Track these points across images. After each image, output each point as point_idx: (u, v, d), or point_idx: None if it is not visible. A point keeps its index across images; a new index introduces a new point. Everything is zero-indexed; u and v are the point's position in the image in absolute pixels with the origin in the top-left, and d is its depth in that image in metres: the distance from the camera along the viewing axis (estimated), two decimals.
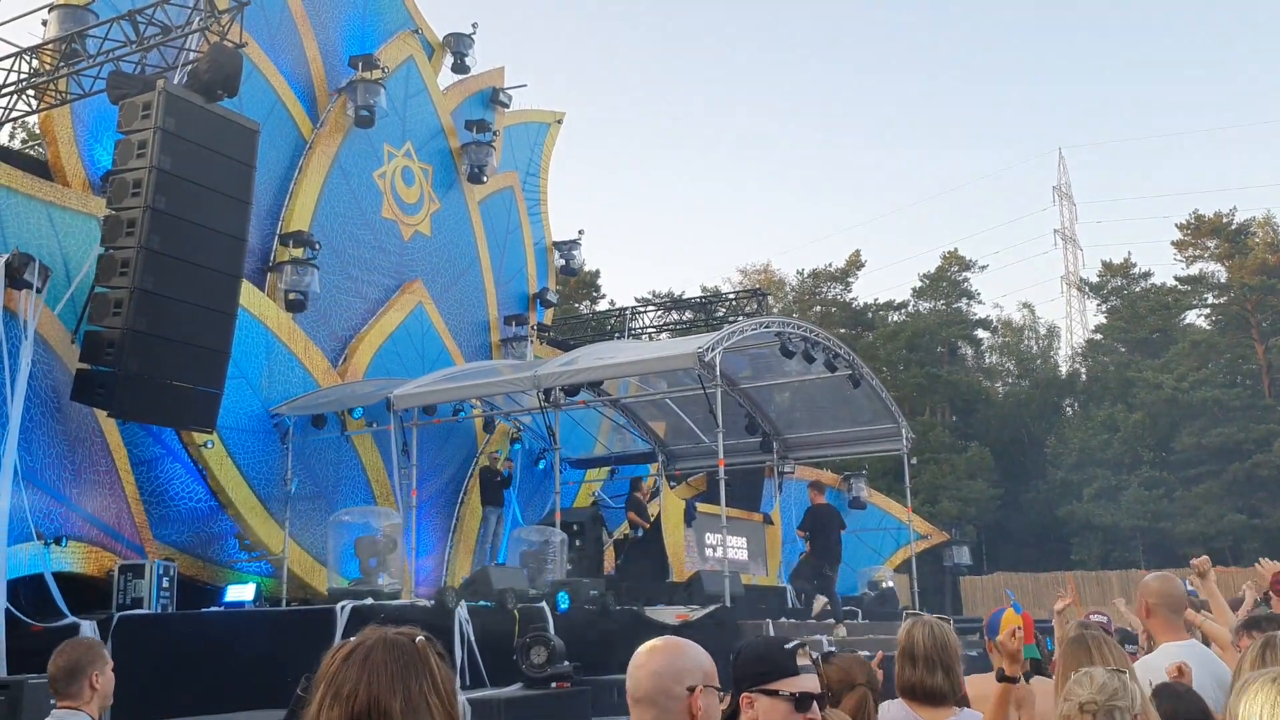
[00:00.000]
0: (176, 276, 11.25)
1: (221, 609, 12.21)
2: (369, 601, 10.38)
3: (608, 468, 20.12)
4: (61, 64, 12.50)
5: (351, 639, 2.16)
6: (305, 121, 17.11)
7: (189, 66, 11.95)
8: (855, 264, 54.36)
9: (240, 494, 14.20)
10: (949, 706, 4.22)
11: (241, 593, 12.59)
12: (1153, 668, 4.38)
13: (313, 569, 14.79)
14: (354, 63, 17.68)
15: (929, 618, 4.38)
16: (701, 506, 17.30)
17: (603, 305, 45.91)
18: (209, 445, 13.71)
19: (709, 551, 16.67)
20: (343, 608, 9.79)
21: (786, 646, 2.78)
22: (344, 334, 17.10)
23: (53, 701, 4.49)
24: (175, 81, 11.73)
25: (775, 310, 44.28)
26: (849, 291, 54.85)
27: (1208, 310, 49.04)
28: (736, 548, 17.03)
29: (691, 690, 2.34)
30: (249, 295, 14.29)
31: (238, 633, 10.49)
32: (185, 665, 10.17)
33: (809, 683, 2.72)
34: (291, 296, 15.66)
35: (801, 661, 2.77)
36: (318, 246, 16.16)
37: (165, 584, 11.78)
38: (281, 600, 13.98)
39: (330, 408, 15.26)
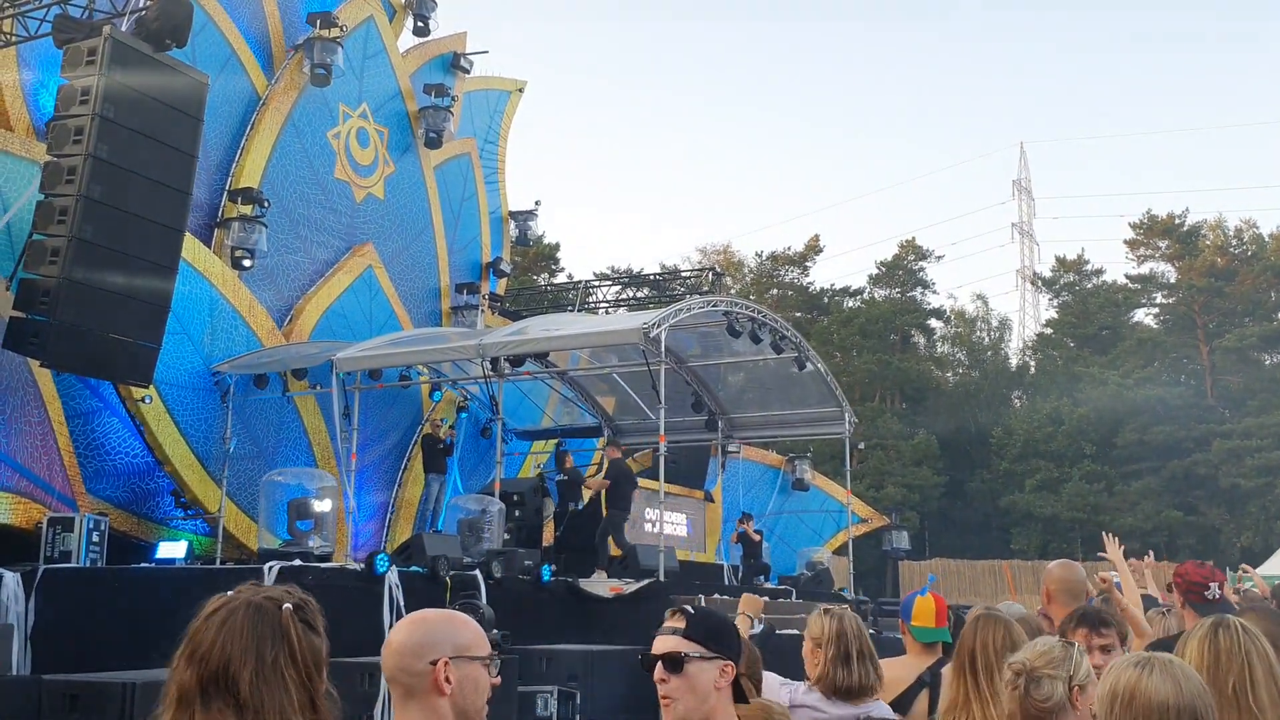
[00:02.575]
0: (117, 227, 11.06)
1: (151, 565, 12.10)
2: (297, 563, 10.34)
3: (554, 440, 20.13)
4: (6, 5, 12.22)
5: (225, 595, 2.14)
6: (260, 77, 16.87)
7: (138, 14, 11.74)
8: (814, 249, 54.57)
9: (178, 451, 14.06)
10: (868, 698, 4.27)
11: (173, 550, 12.48)
12: None
13: (249, 529, 14.69)
14: (312, 20, 17.42)
15: (845, 610, 4.39)
16: (644, 482, 17.36)
17: (561, 278, 45.78)
18: (147, 400, 13.56)
19: (648, 527, 16.75)
20: (270, 568, 9.75)
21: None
22: (291, 294, 16.93)
23: None
24: (123, 29, 11.51)
25: (733, 291, 44.47)
26: (806, 276, 55.10)
27: (1156, 309, 49.83)
28: (675, 524, 17.13)
29: (434, 664, 2.24)
30: (194, 251, 14.11)
31: (164, 589, 10.39)
32: (110, 620, 10.07)
33: (656, 643, 2.70)
34: (238, 254, 15.48)
35: (666, 623, 2.74)
36: (267, 204, 15.97)
37: (95, 538, 11.62)
38: (216, 559, 13.89)
39: (273, 368, 15.14)
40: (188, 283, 13.62)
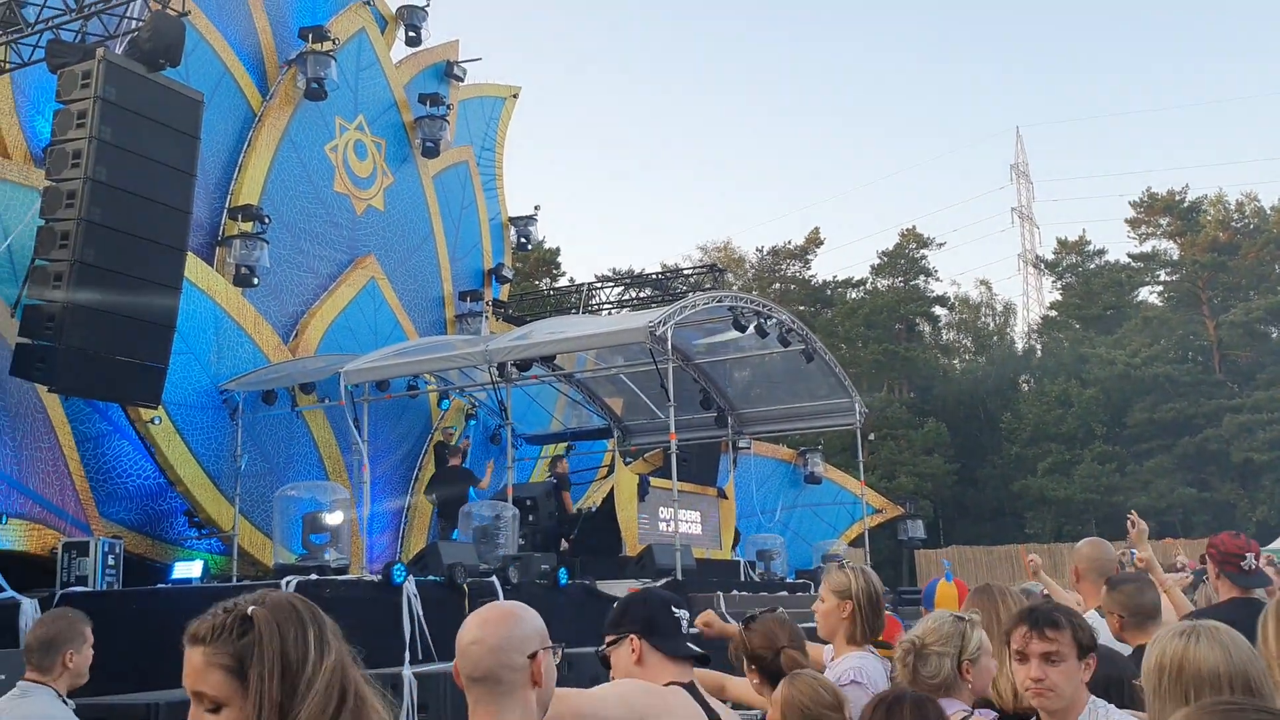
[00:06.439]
0: (118, 249, 11.04)
1: (167, 586, 12.08)
2: (313, 576, 10.32)
3: (565, 443, 20.10)
4: None
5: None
6: (254, 94, 16.87)
7: (130, 35, 11.71)
8: (815, 241, 54.52)
9: (189, 471, 14.06)
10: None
11: (188, 569, 12.46)
12: None
13: (264, 546, 14.67)
14: (304, 34, 17.42)
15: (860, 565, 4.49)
16: (656, 481, 17.33)
17: (563, 282, 45.73)
18: (156, 421, 13.55)
19: (662, 526, 16.70)
20: (287, 582, 9.73)
21: None
22: (295, 309, 16.93)
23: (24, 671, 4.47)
24: (116, 50, 11.49)
25: (735, 287, 44.39)
26: (808, 269, 55.05)
27: (1160, 287, 49.72)
28: (689, 521, 17.07)
29: (533, 657, 2.23)
30: (196, 270, 14.11)
31: (181, 609, 10.33)
32: (127, 642, 10.02)
33: None
34: (241, 271, 15.46)
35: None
36: (268, 220, 15.96)
37: (110, 561, 11.62)
38: (232, 577, 13.88)
39: (281, 383, 15.14)
40: (192, 302, 13.62)
